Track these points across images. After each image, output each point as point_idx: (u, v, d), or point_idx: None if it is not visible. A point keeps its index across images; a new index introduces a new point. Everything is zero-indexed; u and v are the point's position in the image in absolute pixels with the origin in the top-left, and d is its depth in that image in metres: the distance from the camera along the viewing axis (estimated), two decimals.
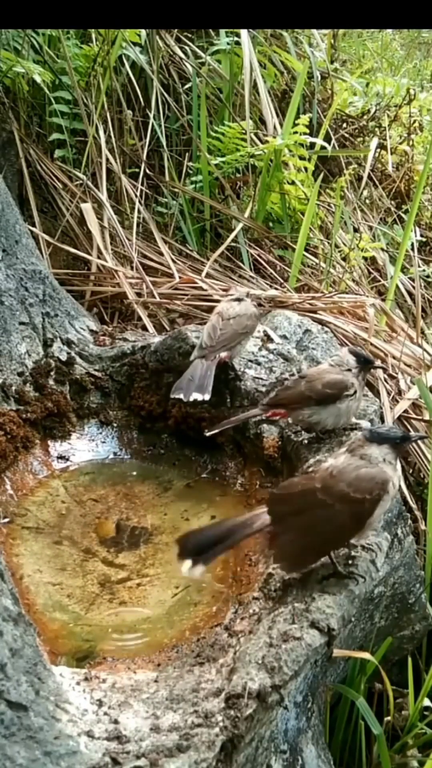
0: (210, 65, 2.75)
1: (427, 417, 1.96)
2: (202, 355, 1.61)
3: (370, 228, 3.00)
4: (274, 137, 2.60)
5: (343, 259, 2.69)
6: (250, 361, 1.73)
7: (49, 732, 0.85)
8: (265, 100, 2.70)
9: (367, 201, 3.15)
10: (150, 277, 2.26)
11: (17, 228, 1.81)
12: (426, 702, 1.51)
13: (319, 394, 1.43)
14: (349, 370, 1.46)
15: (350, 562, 1.14)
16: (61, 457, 1.64)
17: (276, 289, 2.35)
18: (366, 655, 1.35)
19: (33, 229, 2.20)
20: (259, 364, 1.72)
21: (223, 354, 1.63)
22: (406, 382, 2.05)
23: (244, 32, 2.64)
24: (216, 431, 1.54)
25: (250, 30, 2.71)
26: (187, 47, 2.78)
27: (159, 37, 2.67)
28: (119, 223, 2.39)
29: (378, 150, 3.19)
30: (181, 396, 1.55)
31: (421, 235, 3.08)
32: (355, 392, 1.46)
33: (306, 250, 2.57)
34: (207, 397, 1.54)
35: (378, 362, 1.55)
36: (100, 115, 2.43)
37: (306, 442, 1.50)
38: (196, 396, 1.54)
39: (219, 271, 2.45)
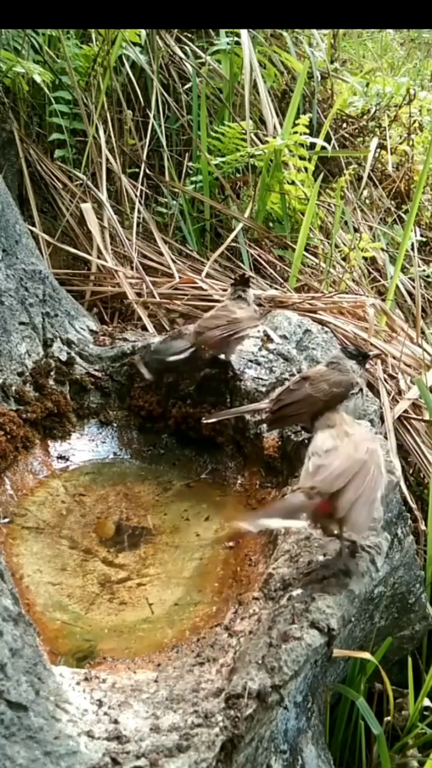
0: (210, 65, 2.75)
1: (427, 417, 1.96)
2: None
3: (370, 228, 3.00)
4: (274, 137, 2.60)
5: (343, 259, 2.69)
6: (250, 361, 1.73)
7: (49, 732, 0.85)
8: (265, 100, 2.70)
9: (367, 201, 3.15)
10: (150, 277, 2.26)
11: (17, 228, 1.81)
12: (426, 702, 1.51)
13: (327, 394, 1.43)
14: (348, 371, 1.46)
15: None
16: (61, 457, 1.64)
17: (276, 289, 2.35)
18: (366, 655, 1.35)
19: (33, 229, 2.20)
20: (259, 364, 1.72)
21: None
22: (406, 382, 2.05)
23: (244, 32, 2.64)
24: (214, 420, 1.56)
25: (250, 30, 2.71)
26: (187, 47, 2.78)
27: (159, 37, 2.67)
28: (119, 223, 2.39)
29: (378, 150, 3.19)
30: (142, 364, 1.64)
31: (421, 235, 3.08)
32: (361, 389, 1.47)
33: (306, 250, 2.58)
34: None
35: (373, 351, 1.56)
36: (100, 115, 2.43)
37: (306, 442, 1.50)
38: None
39: (219, 271, 2.46)
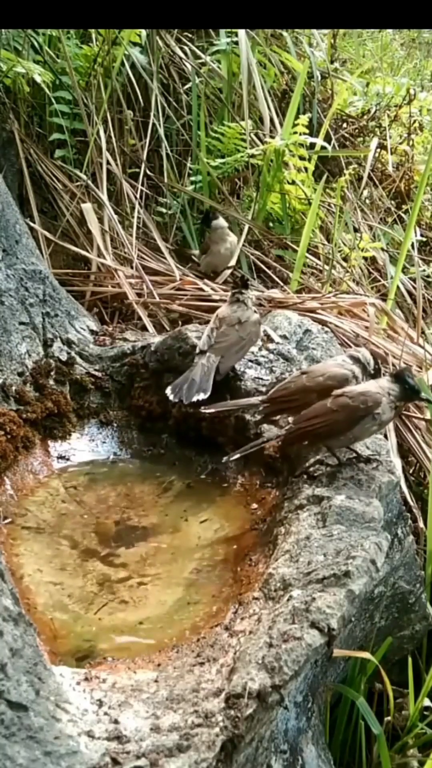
0: (210, 65, 2.75)
1: (428, 416, 1.96)
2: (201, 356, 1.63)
3: (370, 228, 3.00)
4: (273, 137, 2.60)
5: (344, 259, 2.69)
6: (250, 361, 1.72)
7: (49, 732, 0.85)
8: (263, 100, 2.70)
9: (367, 201, 3.15)
10: (150, 277, 2.26)
11: (17, 228, 1.81)
12: (426, 702, 1.51)
13: (320, 385, 1.44)
14: (355, 376, 1.46)
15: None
16: (61, 457, 1.64)
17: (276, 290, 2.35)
18: (366, 655, 1.35)
19: (33, 226, 2.20)
20: (259, 364, 1.72)
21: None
22: None
23: (241, 32, 2.63)
24: (213, 411, 1.56)
25: (248, 30, 2.71)
26: (186, 47, 2.78)
27: (159, 37, 2.67)
28: (119, 224, 2.39)
29: (378, 150, 3.19)
30: (182, 399, 1.57)
31: (421, 235, 3.08)
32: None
33: (306, 250, 2.57)
34: (205, 396, 1.56)
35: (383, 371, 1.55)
36: (101, 115, 2.43)
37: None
38: (198, 397, 1.56)
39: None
